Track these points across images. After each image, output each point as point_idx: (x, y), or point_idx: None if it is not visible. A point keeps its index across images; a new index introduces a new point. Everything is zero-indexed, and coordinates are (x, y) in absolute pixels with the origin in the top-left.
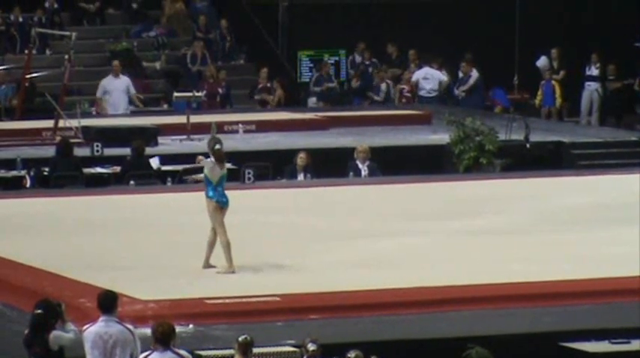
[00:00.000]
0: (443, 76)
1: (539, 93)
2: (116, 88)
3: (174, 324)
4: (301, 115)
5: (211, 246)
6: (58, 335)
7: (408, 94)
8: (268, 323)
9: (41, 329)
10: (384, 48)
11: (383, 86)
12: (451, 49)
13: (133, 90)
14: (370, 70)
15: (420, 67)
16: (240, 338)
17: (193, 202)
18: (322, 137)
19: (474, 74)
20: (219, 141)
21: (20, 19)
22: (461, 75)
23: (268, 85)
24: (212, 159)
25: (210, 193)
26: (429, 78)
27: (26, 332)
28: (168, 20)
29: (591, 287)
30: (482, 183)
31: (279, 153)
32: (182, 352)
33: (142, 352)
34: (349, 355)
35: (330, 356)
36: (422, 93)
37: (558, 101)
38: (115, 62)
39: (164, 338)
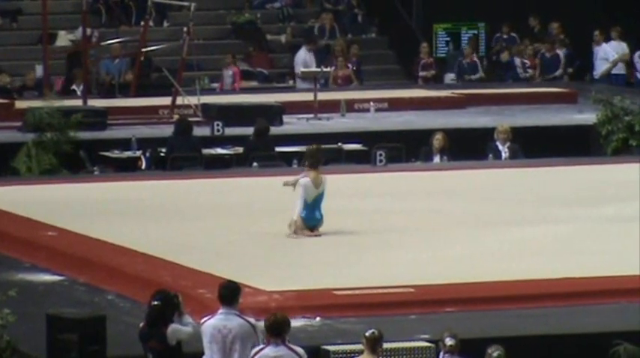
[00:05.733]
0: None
1: None
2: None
3: (301, 317)
4: (437, 93)
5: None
6: (177, 329)
7: (530, 70)
8: (401, 317)
9: (158, 322)
10: (525, 21)
11: (517, 62)
12: (599, 22)
13: None
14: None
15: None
16: (367, 333)
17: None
18: (459, 116)
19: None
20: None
21: None
22: None
23: (430, 60)
24: (307, 178)
25: (304, 213)
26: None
27: (142, 324)
28: None
29: None
30: (631, 166)
31: (414, 134)
32: (297, 349)
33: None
34: (489, 350)
35: (468, 352)
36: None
37: None
38: None
39: (275, 329)
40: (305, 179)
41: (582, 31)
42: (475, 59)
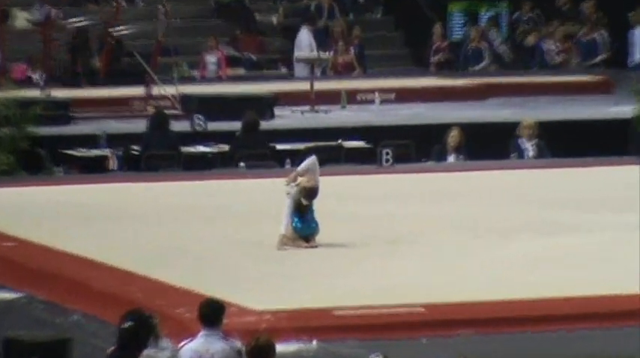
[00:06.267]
0: None
1: None
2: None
3: (295, 340)
4: (452, 82)
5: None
6: (152, 356)
7: (560, 55)
8: (409, 340)
9: (131, 345)
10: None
11: (548, 46)
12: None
13: None
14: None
15: None
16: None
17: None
18: (478, 109)
19: None
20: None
21: None
22: None
23: (444, 44)
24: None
25: (298, 223)
26: None
27: (111, 349)
28: None
29: None
30: None
31: (425, 129)
32: None
33: None
34: None
35: None
36: None
37: None
38: None
39: (258, 356)
40: (294, 189)
41: (617, 12)
42: (481, 46)
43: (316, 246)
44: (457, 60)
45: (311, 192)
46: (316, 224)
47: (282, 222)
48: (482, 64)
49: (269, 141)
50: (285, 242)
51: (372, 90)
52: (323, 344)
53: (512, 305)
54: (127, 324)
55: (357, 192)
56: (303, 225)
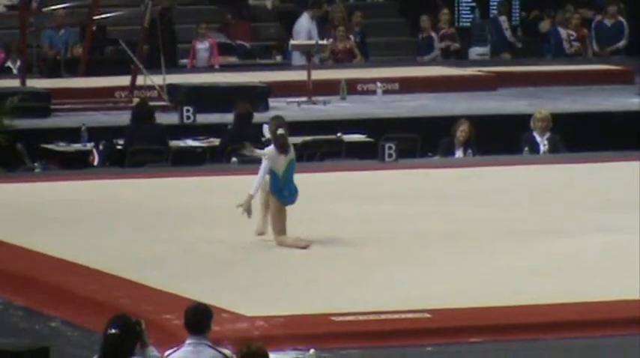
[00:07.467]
0: None
1: None
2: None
3: (292, 349)
4: (460, 71)
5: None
6: None
7: (576, 43)
8: (414, 348)
9: (117, 354)
10: None
11: (563, 34)
12: None
13: None
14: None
15: None
16: None
17: (315, 184)
18: (488, 100)
19: None
20: (283, 124)
21: None
22: None
23: (451, 30)
24: (272, 146)
25: (274, 188)
26: None
27: None
28: None
29: None
30: None
31: (431, 122)
32: None
33: None
34: None
35: None
36: None
37: None
38: None
39: None
40: (269, 148)
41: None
42: (432, 34)
43: (310, 243)
44: (466, 47)
45: (284, 141)
46: (296, 190)
47: (254, 182)
48: (431, 55)
49: (262, 134)
50: (282, 240)
51: (373, 80)
52: (321, 352)
53: (529, 310)
54: (111, 331)
55: (357, 190)
56: (283, 193)
